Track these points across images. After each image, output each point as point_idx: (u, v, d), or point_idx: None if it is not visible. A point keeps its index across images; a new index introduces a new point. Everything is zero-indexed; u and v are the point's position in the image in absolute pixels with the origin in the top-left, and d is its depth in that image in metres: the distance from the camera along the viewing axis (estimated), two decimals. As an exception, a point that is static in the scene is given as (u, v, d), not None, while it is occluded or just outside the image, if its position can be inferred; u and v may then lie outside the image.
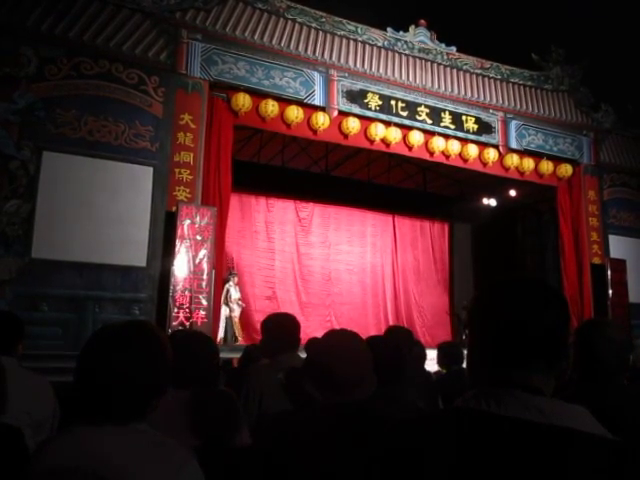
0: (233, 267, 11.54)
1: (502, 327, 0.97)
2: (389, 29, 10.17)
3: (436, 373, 4.82)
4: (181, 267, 7.36)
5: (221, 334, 10.25)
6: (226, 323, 10.55)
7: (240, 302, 10.89)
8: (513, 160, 10.48)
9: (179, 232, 7.40)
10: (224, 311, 10.44)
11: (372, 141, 9.51)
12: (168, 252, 7.42)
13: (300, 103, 8.88)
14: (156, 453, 1.21)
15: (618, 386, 1.84)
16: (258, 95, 8.59)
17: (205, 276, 7.48)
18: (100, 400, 1.21)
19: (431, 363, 4.97)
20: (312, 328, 11.03)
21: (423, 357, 4.02)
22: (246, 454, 2.28)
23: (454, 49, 10.63)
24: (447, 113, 10.08)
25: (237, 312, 10.79)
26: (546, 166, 10.85)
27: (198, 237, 7.51)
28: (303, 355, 3.15)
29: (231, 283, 10.88)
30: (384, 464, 0.96)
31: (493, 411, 0.91)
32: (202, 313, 7.37)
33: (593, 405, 1.46)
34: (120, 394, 1.21)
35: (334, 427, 1.52)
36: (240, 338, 10.59)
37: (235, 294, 10.84)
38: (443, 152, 10.02)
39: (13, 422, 1.79)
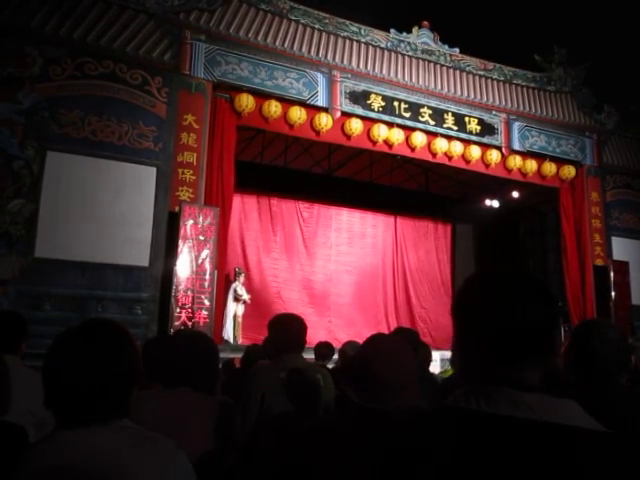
0: (240, 266, 11.56)
1: (490, 324, 0.94)
2: (392, 30, 10.18)
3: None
4: (183, 267, 7.37)
5: (229, 333, 10.22)
6: (233, 322, 10.52)
7: (248, 297, 10.87)
8: (516, 161, 10.48)
9: (182, 232, 7.41)
10: (231, 310, 10.43)
11: (375, 142, 9.51)
12: (171, 252, 7.43)
13: (303, 104, 8.89)
14: (142, 447, 1.20)
15: (617, 386, 1.83)
16: (261, 96, 8.61)
17: (207, 276, 7.49)
18: (79, 400, 1.20)
19: (434, 365, 4.98)
20: (313, 328, 11.01)
21: (428, 358, 4.03)
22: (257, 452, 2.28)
23: (457, 50, 10.63)
24: (450, 114, 10.07)
25: (241, 311, 10.78)
26: (549, 167, 10.85)
27: (201, 237, 7.52)
28: (307, 356, 3.16)
29: (238, 282, 10.88)
30: (379, 466, 0.94)
31: (483, 409, 0.89)
32: (204, 313, 7.38)
33: (592, 405, 1.47)
34: (97, 392, 1.20)
35: (357, 433, 1.47)
36: (240, 338, 10.56)
37: (242, 293, 10.83)
38: (446, 153, 10.02)
39: (16, 421, 1.80)
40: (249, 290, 11.38)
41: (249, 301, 10.91)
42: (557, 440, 0.84)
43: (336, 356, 5.33)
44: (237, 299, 10.68)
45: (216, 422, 2.11)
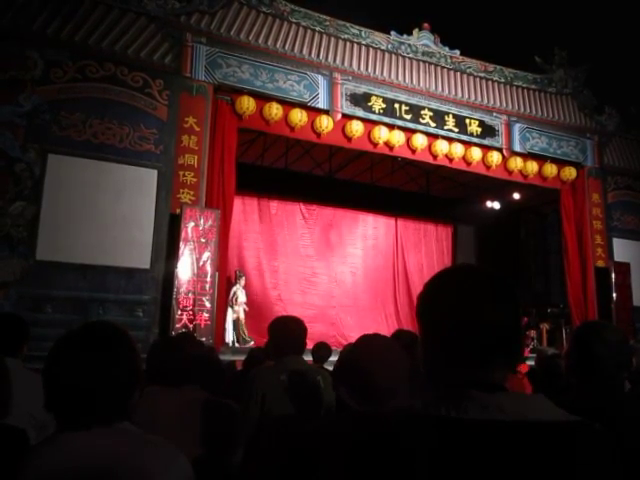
0: (241, 269, 11.54)
1: (456, 324, 0.91)
2: (393, 32, 10.20)
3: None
4: (185, 269, 7.38)
5: (230, 337, 10.18)
6: (234, 325, 10.46)
7: (245, 305, 10.81)
8: (517, 163, 10.48)
9: (183, 234, 7.42)
10: (231, 314, 10.38)
11: (375, 144, 9.52)
12: (172, 254, 7.44)
13: (304, 106, 8.90)
14: (143, 450, 1.20)
15: (618, 387, 1.84)
16: (262, 98, 8.62)
17: (208, 278, 7.50)
18: (79, 403, 1.20)
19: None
20: (316, 331, 11.01)
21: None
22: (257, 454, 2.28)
23: (457, 52, 10.64)
24: (450, 116, 10.08)
25: (243, 314, 10.73)
26: (550, 169, 10.85)
27: (202, 239, 7.53)
28: (307, 358, 3.16)
29: (238, 285, 10.85)
30: (366, 470, 0.89)
31: (453, 416, 0.86)
32: (205, 315, 7.38)
33: (593, 406, 1.47)
34: (98, 395, 1.20)
35: (352, 435, 1.46)
36: (252, 341, 10.41)
37: (242, 297, 10.79)
38: (446, 155, 10.03)
39: (17, 424, 1.80)
40: (250, 293, 11.36)
41: (247, 308, 10.84)
42: (527, 438, 0.82)
43: (334, 357, 5.32)
44: (233, 304, 10.58)
45: (216, 423, 2.11)
